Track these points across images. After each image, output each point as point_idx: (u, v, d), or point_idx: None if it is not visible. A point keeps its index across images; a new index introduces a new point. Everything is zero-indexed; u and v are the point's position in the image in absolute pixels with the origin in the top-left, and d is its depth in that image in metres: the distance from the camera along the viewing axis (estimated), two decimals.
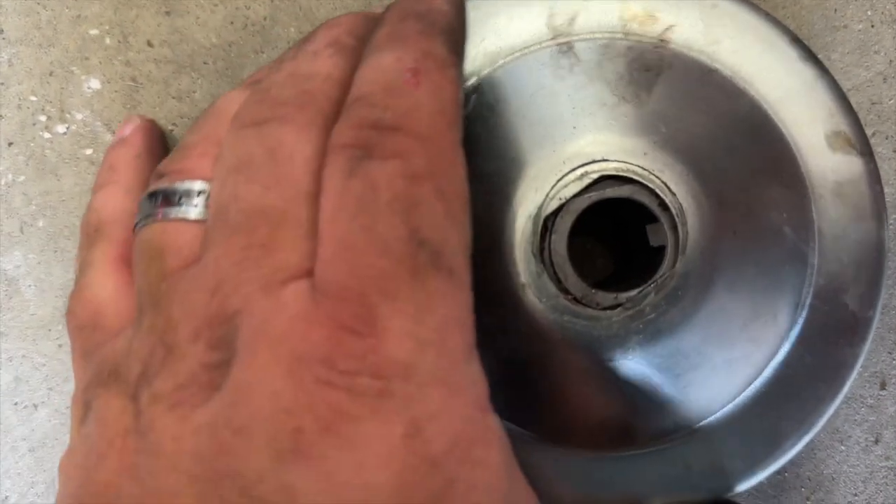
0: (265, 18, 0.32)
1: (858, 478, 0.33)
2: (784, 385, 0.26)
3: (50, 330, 0.33)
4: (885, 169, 0.32)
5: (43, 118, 0.33)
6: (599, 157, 0.26)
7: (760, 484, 0.28)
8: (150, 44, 0.32)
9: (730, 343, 0.26)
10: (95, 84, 0.33)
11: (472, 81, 0.26)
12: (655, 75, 0.26)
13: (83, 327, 0.23)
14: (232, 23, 0.32)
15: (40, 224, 0.32)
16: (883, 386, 0.33)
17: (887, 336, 0.33)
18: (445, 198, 0.18)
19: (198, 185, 0.21)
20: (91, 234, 0.26)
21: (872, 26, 0.32)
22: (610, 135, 0.26)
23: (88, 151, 0.33)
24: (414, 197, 0.18)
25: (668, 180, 0.26)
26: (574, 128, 0.26)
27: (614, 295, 0.26)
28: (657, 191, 0.26)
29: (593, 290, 0.26)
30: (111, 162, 0.28)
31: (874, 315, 0.26)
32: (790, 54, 0.26)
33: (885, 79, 0.32)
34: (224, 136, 0.21)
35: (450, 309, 0.18)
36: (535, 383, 0.26)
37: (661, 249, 0.26)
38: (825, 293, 0.26)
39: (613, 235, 0.32)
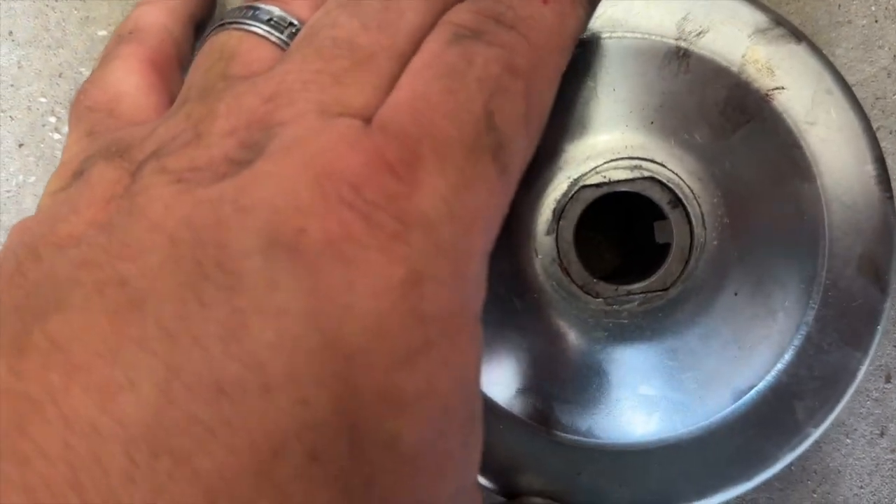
0: None
1: (864, 470, 0.33)
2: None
3: None
4: (890, 163, 0.32)
5: (52, 119, 0.33)
6: (643, 156, 0.26)
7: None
8: None
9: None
10: None
11: (584, 36, 0.26)
12: (746, 120, 0.26)
13: (95, 109, 0.22)
14: None
15: None
16: (888, 379, 0.33)
17: (892, 329, 0.33)
18: (529, 103, 0.19)
19: (294, 19, 0.21)
20: (123, 34, 0.25)
21: (876, 21, 0.33)
22: (669, 144, 0.26)
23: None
24: (503, 85, 0.18)
25: (692, 186, 0.26)
26: (639, 124, 0.26)
27: (615, 287, 0.26)
28: (675, 190, 0.26)
29: (595, 280, 0.26)
30: None
31: (887, 297, 0.26)
32: (869, 174, 0.27)
33: (889, 74, 0.33)
34: None
35: (488, 201, 0.18)
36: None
37: (666, 247, 0.26)
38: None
39: (624, 230, 0.32)
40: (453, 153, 0.17)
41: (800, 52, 0.27)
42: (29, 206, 0.33)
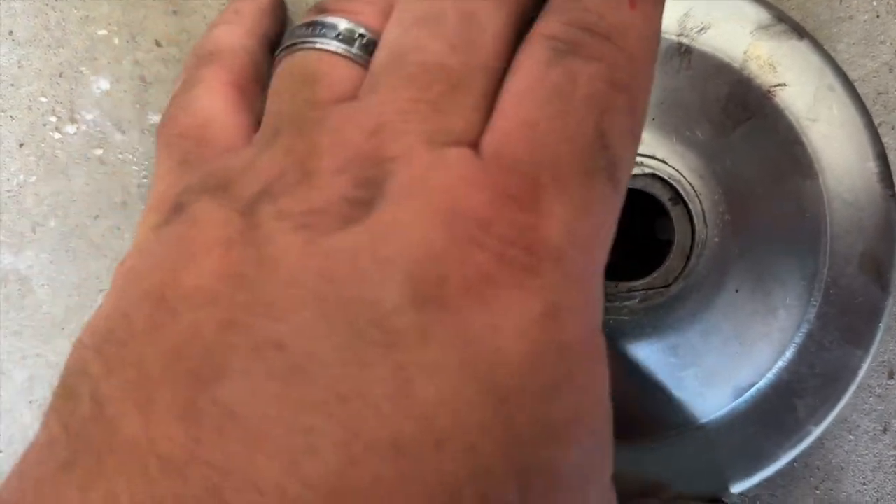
0: None
1: (867, 467, 0.33)
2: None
3: (63, 328, 0.33)
4: (892, 159, 0.32)
5: (53, 119, 0.33)
6: (644, 152, 0.26)
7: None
8: (158, 43, 0.33)
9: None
10: (104, 84, 0.33)
11: None
12: (747, 117, 0.27)
13: (185, 136, 0.22)
14: None
15: (52, 224, 0.33)
16: (891, 375, 0.33)
17: (894, 325, 0.33)
18: (634, 116, 0.19)
19: (361, 29, 0.20)
20: (204, 56, 0.25)
21: (878, 16, 0.32)
22: (671, 141, 0.26)
23: (98, 151, 0.33)
24: (610, 102, 0.18)
25: (693, 182, 0.26)
26: (652, 118, 0.27)
27: (616, 283, 0.26)
28: (677, 186, 0.26)
29: None
30: (237, 7, 0.27)
31: (888, 295, 0.26)
32: (871, 171, 0.27)
33: (891, 69, 0.33)
34: None
35: (605, 220, 0.18)
36: None
37: (668, 243, 0.26)
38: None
39: (625, 226, 0.32)
40: (572, 178, 0.17)
41: (802, 48, 0.27)
42: (30, 205, 0.33)
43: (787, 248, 0.27)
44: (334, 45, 0.20)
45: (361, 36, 0.20)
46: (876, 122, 0.32)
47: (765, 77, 0.27)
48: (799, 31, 0.27)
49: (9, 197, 0.33)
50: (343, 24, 0.21)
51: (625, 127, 0.18)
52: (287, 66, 0.21)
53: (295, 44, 0.21)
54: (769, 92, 0.27)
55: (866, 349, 0.26)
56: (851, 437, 0.33)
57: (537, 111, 0.17)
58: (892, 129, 0.33)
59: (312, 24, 0.21)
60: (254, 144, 0.20)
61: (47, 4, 0.33)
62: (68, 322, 0.33)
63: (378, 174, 0.17)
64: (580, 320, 0.17)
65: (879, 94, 0.33)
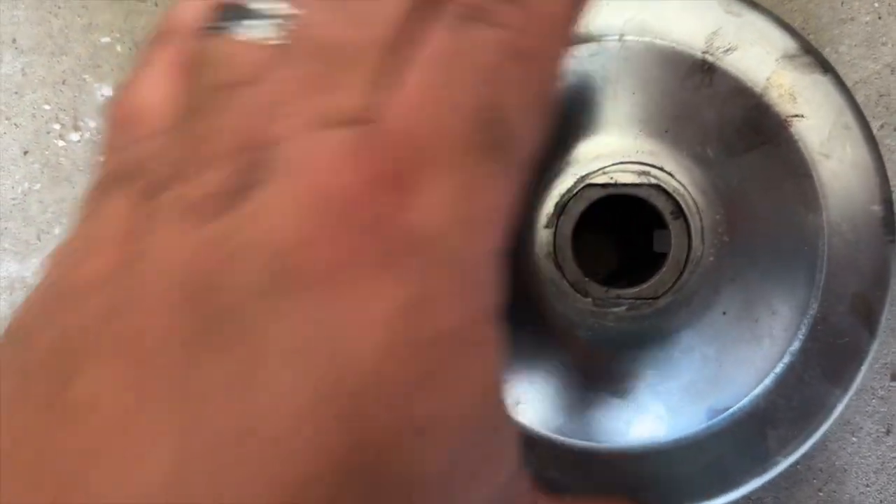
0: None
1: (870, 468, 0.33)
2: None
3: None
4: (895, 160, 0.32)
5: (57, 126, 0.33)
6: (652, 163, 0.26)
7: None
8: None
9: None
10: (108, 91, 0.33)
11: (612, 37, 0.27)
12: (761, 143, 0.27)
13: (124, 120, 0.22)
14: None
15: (56, 231, 0.33)
16: (894, 377, 0.33)
17: None
18: (534, 91, 0.18)
19: (283, 8, 0.20)
20: (162, 34, 0.24)
21: (879, 18, 0.32)
22: (680, 155, 0.26)
23: (102, 159, 0.33)
24: (507, 73, 0.17)
25: (696, 199, 0.26)
26: (653, 131, 0.27)
27: (605, 289, 0.26)
28: (680, 201, 0.26)
29: (586, 279, 0.26)
30: None
31: (874, 339, 0.27)
32: (876, 214, 0.27)
33: (892, 70, 0.32)
34: None
35: (495, 200, 0.17)
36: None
37: (663, 256, 0.26)
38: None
39: (625, 233, 0.32)
40: (456, 154, 0.16)
41: (824, 83, 0.27)
42: (34, 213, 0.33)
43: (781, 279, 0.27)
44: (245, 30, 0.20)
45: (285, 17, 0.20)
46: (878, 123, 0.32)
47: (784, 106, 0.27)
48: (824, 66, 0.27)
49: (13, 205, 0.33)
50: (263, 7, 0.20)
51: (523, 102, 0.17)
52: (201, 50, 0.21)
53: (209, 27, 0.21)
54: (786, 121, 0.27)
55: (845, 389, 0.26)
56: (854, 438, 0.33)
57: (431, 80, 0.17)
58: (894, 130, 0.33)
59: (227, 7, 0.21)
60: (166, 130, 0.20)
61: (50, 12, 0.33)
62: None
63: (261, 158, 0.16)
64: (455, 308, 0.16)
65: (881, 95, 0.33)
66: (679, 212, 0.26)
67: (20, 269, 0.33)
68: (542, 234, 0.26)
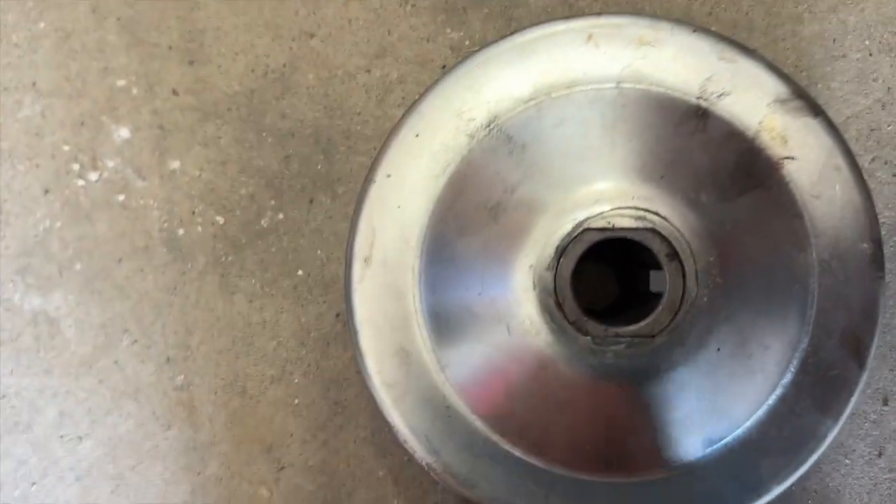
0: (284, 66, 0.34)
1: (863, 489, 0.34)
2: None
3: (91, 367, 0.34)
4: (886, 193, 0.33)
5: (76, 166, 0.34)
6: (648, 208, 0.28)
7: None
8: (175, 92, 0.34)
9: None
10: (125, 133, 0.34)
11: (609, 84, 0.28)
12: (753, 186, 0.28)
13: None
14: (253, 70, 0.34)
15: (77, 267, 0.34)
16: (885, 402, 0.34)
17: (889, 354, 0.34)
18: None
19: None
20: None
21: (870, 55, 0.33)
22: (675, 200, 0.28)
23: (121, 197, 0.34)
24: None
25: (691, 242, 0.28)
26: (649, 177, 0.28)
27: (605, 327, 0.27)
28: (675, 244, 0.27)
29: (585, 318, 0.27)
30: None
31: (864, 371, 0.28)
32: (865, 252, 0.28)
33: (883, 105, 0.34)
34: None
35: None
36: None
37: (659, 296, 0.27)
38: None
39: (623, 269, 0.34)
40: None
41: (815, 126, 0.28)
42: (56, 249, 0.34)
43: (773, 316, 0.28)
44: None
45: None
46: (869, 157, 0.34)
47: (775, 149, 0.28)
48: (815, 109, 0.28)
49: (35, 242, 0.34)
50: None
51: None
52: None
53: None
54: (777, 163, 0.28)
55: (835, 419, 0.28)
56: (847, 461, 0.34)
57: None
58: (885, 163, 0.34)
59: None
60: None
61: (68, 56, 0.34)
62: (95, 360, 0.34)
63: None
64: None
65: (872, 129, 0.34)
66: (674, 254, 0.27)
67: (43, 303, 0.34)
68: (544, 276, 0.28)
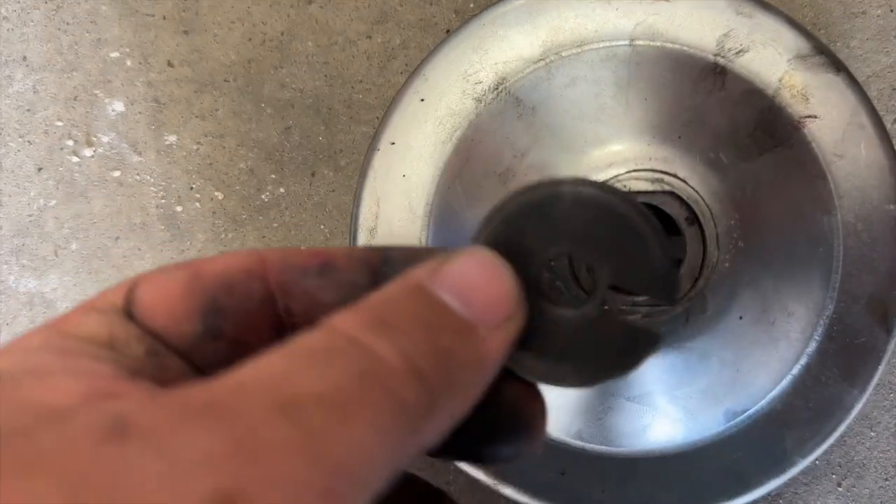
0: (282, 34, 0.33)
1: (889, 462, 0.33)
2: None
3: None
4: None
5: (70, 142, 0.33)
6: (665, 170, 0.26)
7: None
8: (170, 64, 0.33)
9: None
10: (119, 106, 0.33)
11: (622, 42, 0.27)
12: (774, 145, 0.27)
13: None
14: (250, 39, 0.33)
15: (73, 247, 0.33)
16: None
17: None
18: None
19: None
20: None
21: (892, 11, 0.32)
22: (694, 161, 0.26)
23: (116, 173, 0.33)
24: None
25: (711, 205, 0.26)
26: (666, 137, 0.27)
27: (622, 296, 0.26)
28: (694, 207, 0.26)
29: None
30: None
31: (891, 338, 0.26)
32: (891, 214, 0.27)
33: None
34: None
35: None
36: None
37: (678, 262, 0.26)
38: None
39: None
40: None
41: (837, 82, 0.26)
42: (51, 229, 0.33)
43: (797, 281, 0.27)
44: None
45: None
46: (891, 117, 0.32)
47: (796, 107, 0.27)
48: (837, 65, 0.27)
49: (30, 221, 0.33)
50: None
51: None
52: None
53: None
54: (799, 122, 0.27)
55: (862, 389, 0.26)
56: (873, 433, 0.33)
57: None
58: None
59: None
60: None
61: (59, 29, 0.33)
62: None
63: None
64: None
65: (894, 89, 0.32)
66: (693, 218, 0.26)
67: (38, 284, 0.33)
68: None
